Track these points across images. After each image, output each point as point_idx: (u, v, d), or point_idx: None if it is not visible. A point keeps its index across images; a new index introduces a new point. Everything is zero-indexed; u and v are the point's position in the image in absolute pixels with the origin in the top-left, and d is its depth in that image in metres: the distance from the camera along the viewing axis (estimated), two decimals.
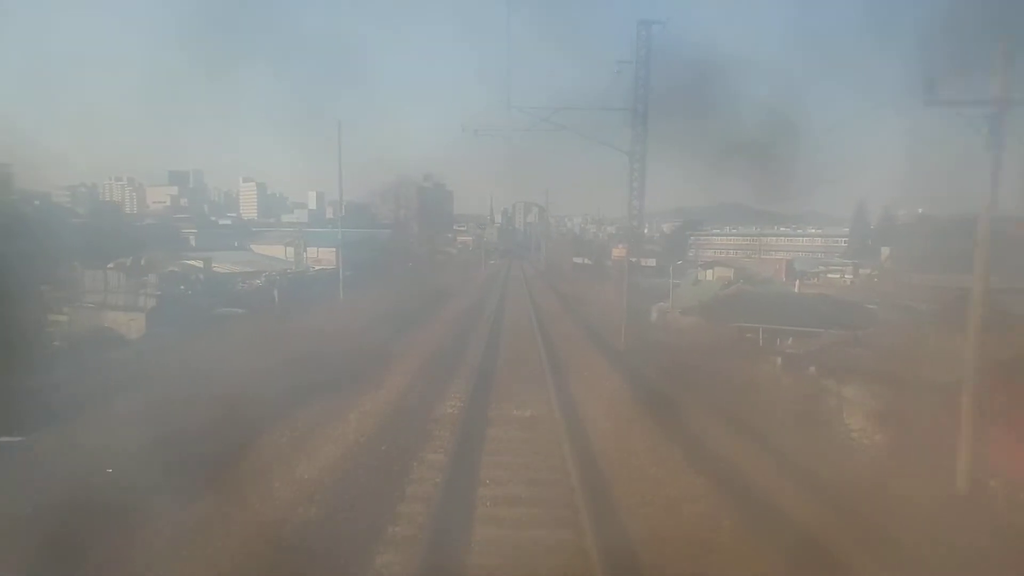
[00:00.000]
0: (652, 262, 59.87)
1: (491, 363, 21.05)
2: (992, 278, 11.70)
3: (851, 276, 50.03)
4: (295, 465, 11.38)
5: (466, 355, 22.20)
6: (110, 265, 29.13)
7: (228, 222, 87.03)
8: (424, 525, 9.15)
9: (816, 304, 26.20)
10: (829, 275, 52.40)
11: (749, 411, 15.39)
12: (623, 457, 12.15)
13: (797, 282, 43.64)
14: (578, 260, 62.30)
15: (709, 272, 43.56)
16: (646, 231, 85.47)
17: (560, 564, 8.38)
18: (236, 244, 55.66)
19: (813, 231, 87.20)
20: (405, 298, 37.47)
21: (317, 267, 49.58)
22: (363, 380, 17.08)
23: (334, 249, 47.97)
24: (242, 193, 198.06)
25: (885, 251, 51.59)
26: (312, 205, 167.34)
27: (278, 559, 8.23)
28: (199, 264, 37.15)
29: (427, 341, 24.45)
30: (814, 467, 11.96)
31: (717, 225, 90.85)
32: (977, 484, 11.31)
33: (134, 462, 10.58)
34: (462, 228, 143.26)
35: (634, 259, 40.47)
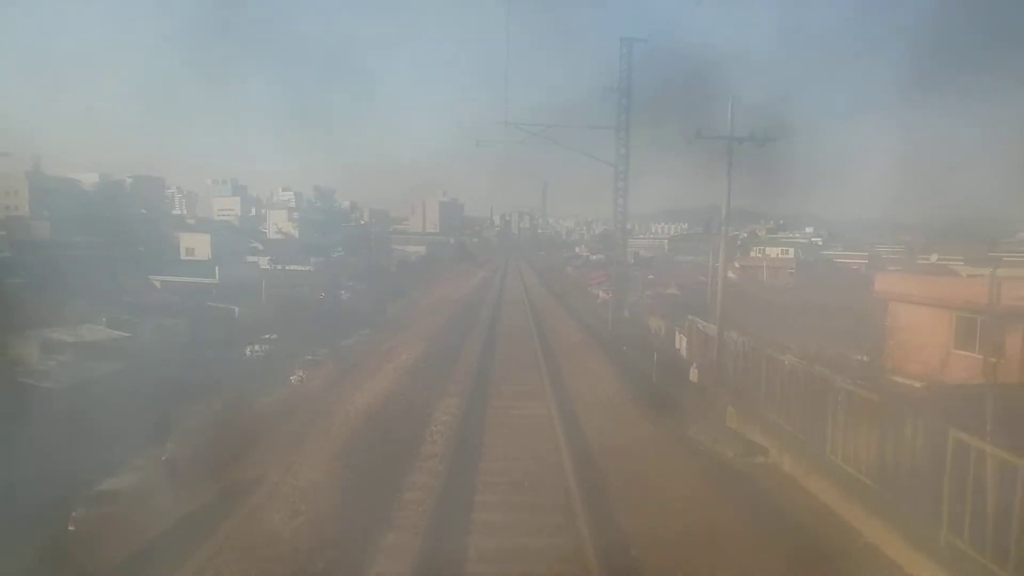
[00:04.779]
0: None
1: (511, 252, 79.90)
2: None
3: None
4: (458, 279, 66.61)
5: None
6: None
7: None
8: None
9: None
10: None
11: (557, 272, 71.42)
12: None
13: (632, 260, 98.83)
14: (540, 253, 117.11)
15: (594, 256, 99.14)
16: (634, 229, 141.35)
17: None
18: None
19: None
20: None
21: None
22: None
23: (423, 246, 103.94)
24: (282, 200, 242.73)
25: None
26: None
27: None
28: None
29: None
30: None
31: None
32: None
33: None
34: (469, 232, 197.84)
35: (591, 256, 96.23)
